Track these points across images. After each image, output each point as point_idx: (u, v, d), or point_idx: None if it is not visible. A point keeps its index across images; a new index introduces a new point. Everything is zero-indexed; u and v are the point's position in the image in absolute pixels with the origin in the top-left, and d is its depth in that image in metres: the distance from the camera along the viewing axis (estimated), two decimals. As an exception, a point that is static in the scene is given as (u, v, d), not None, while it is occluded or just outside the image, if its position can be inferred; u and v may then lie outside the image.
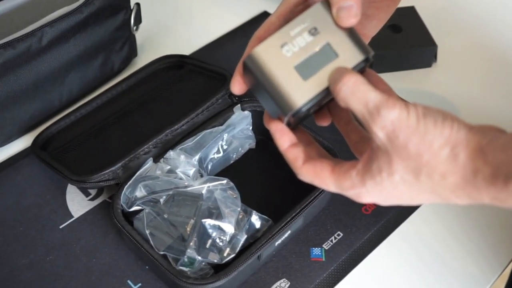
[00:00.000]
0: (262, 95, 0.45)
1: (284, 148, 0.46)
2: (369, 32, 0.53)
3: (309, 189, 0.60)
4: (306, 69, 0.44)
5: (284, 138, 0.46)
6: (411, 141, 0.40)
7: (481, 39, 0.86)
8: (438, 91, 0.80)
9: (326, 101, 0.47)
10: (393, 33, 0.83)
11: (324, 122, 0.49)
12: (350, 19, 0.43)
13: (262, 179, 0.68)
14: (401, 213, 0.66)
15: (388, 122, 0.40)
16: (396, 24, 0.83)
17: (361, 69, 0.46)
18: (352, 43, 0.44)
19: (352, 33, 0.44)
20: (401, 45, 0.81)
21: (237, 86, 0.47)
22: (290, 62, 0.44)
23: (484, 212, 0.66)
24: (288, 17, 0.47)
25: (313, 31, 0.44)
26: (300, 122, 0.49)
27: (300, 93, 0.44)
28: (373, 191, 0.43)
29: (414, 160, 0.40)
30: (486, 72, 0.82)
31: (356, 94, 0.41)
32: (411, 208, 0.66)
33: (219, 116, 0.67)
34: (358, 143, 0.47)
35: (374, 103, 0.40)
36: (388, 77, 0.79)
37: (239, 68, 0.46)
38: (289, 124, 0.46)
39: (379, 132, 0.40)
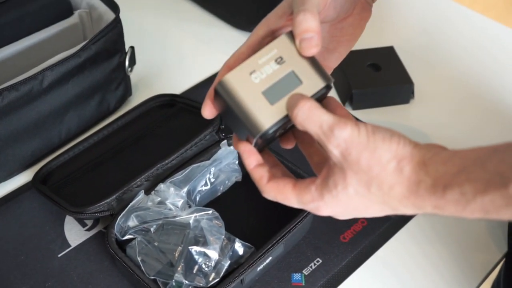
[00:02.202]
0: (232, 119, 0.49)
1: (251, 167, 0.51)
2: (331, 64, 0.57)
3: (290, 219, 0.66)
4: (273, 94, 0.48)
5: (251, 158, 0.50)
6: (363, 156, 0.45)
7: (455, 77, 0.93)
8: (416, 125, 0.86)
9: (290, 125, 0.52)
10: (373, 71, 0.89)
11: (289, 145, 0.54)
12: (312, 49, 0.47)
13: (247, 210, 0.73)
14: (378, 241, 0.72)
15: (341, 140, 0.45)
16: (376, 63, 0.90)
17: (322, 95, 0.50)
18: (314, 71, 0.49)
19: (314, 62, 0.49)
20: (381, 83, 0.87)
21: (208, 110, 0.51)
22: (258, 88, 0.48)
23: (455, 236, 0.72)
24: (257, 48, 0.51)
25: (279, 60, 0.49)
26: (267, 145, 0.53)
27: (268, 116, 0.48)
28: (330, 204, 0.48)
29: (365, 173, 0.45)
30: (460, 107, 0.88)
31: (311, 118, 0.46)
32: (388, 235, 0.72)
33: (207, 151, 0.73)
34: (319, 163, 0.52)
35: (327, 125, 0.45)
36: (370, 113, 0.87)
37: (210, 94, 0.50)
38: (256, 146, 0.51)
39: (334, 150, 0.45)
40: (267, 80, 0.48)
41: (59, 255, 0.69)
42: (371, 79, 0.88)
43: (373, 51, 0.91)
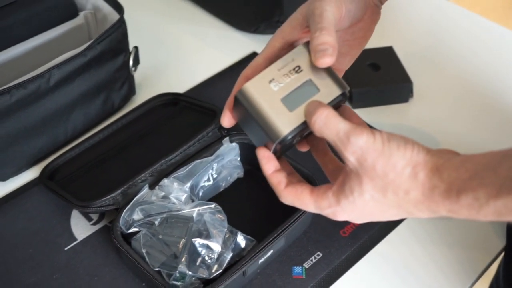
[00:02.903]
0: (251, 126, 0.52)
1: (269, 173, 0.52)
2: (343, 66, 0.60)
3: (291, 213, 0.68)
4: (291, 101, 0.50)
5: (269, 164, 0.52)
6: (378, 163, 0.46)
7: (454, 76, 0.94)
8: (415, 124, 0.87)
9: (307, 132, 0.54)
10: (373, 71, 0.90)
11: (304, 148, 0.56)
12: (326, 59, 0.49)
13: (249, 204, 0.75)
14: (377, 235, 0.73)
15: (357, 147, 0.47)
16: (376, 63, 0.91)
17: (338, 102, 0.52)
18: (331, 79, 0.51)
19: (330, 71, 0.51)
20: (380, 82, 0.89)
21: (227, 120, 0.54)
22: (277, 96, 0.50)
23: (454, 231, 0.74)
24: (273, 59, 0.53)
25: (297, 69, 0.51)
26: (284, 152, 0.55)
27: (287, 122, 0.50)
28: (347, 209, 0.49)
29: (381, 179, 0.47)
30: (458, 106, 0.90)
31: (328, 125, 0.48)
32: (387, 230, 0.74)
33: (209, 148, 0.75)
34: (334, 171, 0.54)
35: (344, 132, 0.47)
36: (369, 112, 0.88)
37: (229, 103, 0.53)
38: (275, 152, 0.53)
39: (350, 157, 0.47)
40: (285, 88, 0.50)
41: (66, 249, 0.71)
42: (371, 79, 0.89)
43: (373, 51, 0.93)
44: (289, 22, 0.54)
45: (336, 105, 0.52)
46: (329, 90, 0.51)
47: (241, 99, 0.50)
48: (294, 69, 0.51)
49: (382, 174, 0.47)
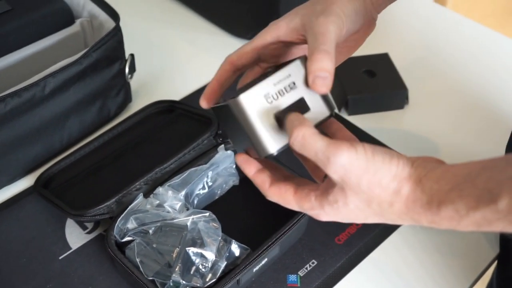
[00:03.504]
0: (238, 133, 0.51)
1: (251, 174, 0.53)
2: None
3: (285, 221, 0.68)
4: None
5: (250, 166, 0.53)
6: (363, 179, 0.46)
7: (449, 83, 0.94)
8: (410, 130, 0.88)
9: None
10: (369, 78, 0.91)
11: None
12: (323, 88, 0.49)
13: (244, 212, 0.75)
14: (371, 243, 0.73)
15: (338, 167, 0.46)
16: (371, 70, 0.91)
17: (324, 119, 0.52)
18: (322, 99, 0.52)
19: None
20: (376, 89, 0.89)
21: (205, 104, 0.55)
22: (270, 111, 0.50)
23: (447, 239, 0.74)
24: (261, 51, 0.54)
25: (292, 85, 0.51)
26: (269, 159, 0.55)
27: (276, 140, 0.50)
28: (330, 213, 0.50)
29: (366, 193, 0.47)
30: (453, 113, 0.90)
31: (306, 146, 0.47)
32: (382, 238, 0.74)
33: (204, 156, 0.75)
34: (316, 168, 0.54)
35: (322, 152, 0.47)
36: (365, 118, 0.88)
37: (211, 89, 0.54)
38: (258, 159, 0.53)
39: (333, 175, 0.47)
40: (279, 104, 0.50)
41: (60, 258, 0.70)
42: (366, 85, 0.90)
43: (368, 57, 0.93)
44: (287, 22, 0.54)
45: (321, 122, 0.52)
46: (319, 110, 0.51)
47: (234, 108, 0.50)
48: (289, 85, 0.51)
49: (367, 189, 0.47)
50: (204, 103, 0.55)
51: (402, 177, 0.46)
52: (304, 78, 0.51)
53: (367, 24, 0.57)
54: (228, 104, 0.51)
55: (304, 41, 0.54)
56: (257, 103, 0.50)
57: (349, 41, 0.58)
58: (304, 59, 0.51)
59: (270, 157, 0.51)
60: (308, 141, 0.47)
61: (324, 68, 0.49)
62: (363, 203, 0.48)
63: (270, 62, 0.57)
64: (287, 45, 0.56)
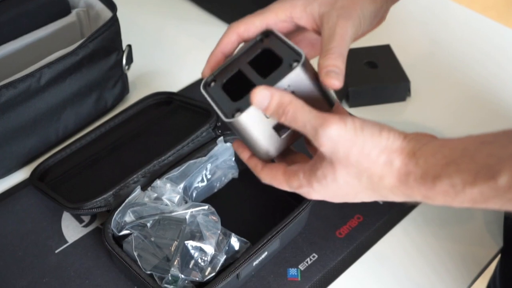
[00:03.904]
0: (240, 137, 0.53)
1: (246, 159, 0.54)
2: None
3: (286, 214, 0.67)
4: (282, 129, 0.52)
5: (244, 152, 0.55)
6: (351, 153, 0.46)
7: (452, 75, 0.94)
8: (412, 122, 0.87)
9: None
10: (370, 69, 0.90)
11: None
12: (336, 82, 0.49)
13: (243, 206, 0.75)
14: (373, 236, 0.73)
15: (326, 139, 0.46)
16: (373, 61, 0.91)
17: None
18: (324, 99, 0.52)
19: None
20: (377, 80, 0.89)
21: (208, 72, 0.55)
22: (269, 123, 0.51)
23: (450, 233, 0.73)
24: (271, 26, 0.53)
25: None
26: None
27: (276, 147, 0.52)
28: (320, 190, 0.50)
29: (355, 167, 0.47)
30: (456, 105, 0.89)
31: (296, 118, 0.47)
32: (383, 231, 0.73)
33: (203, 148, 0.74)
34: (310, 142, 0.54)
35: (310, 124, 0.47)
36: (366, 110, 0.88)
37: (213, 59, 0.54)
38: None
39: (321, 148, 0.47)
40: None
41: (57, 251, 0.70)
42: (368, 77, 0.89)
43: (370, 49, 0.93)
44: (304, 5, 0.53)
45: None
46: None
47: (234, 125, 0.51)
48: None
49: (356, 162, 0.47)
50: (206, 74, 0.55)
51: (393, 150, 0.46)
52: (305, 84, 0.50)
53: (380, 20, 0.57)
54: (231, 123, 0.51)
55: (316, 31, 0.54)
56: (256, 119, 0.51)
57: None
58: (304, 64, 0.50)
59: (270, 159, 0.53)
60: (297, 114, 0.47)
61: (338, 66, 0.49)
62: (352, 177, 0.47)
63: None
64: (297, 28, 0.55)
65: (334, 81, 0.49)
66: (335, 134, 0.46)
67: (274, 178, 0.52)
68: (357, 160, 0.46)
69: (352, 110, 0.88)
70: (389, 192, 0.47)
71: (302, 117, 0.47)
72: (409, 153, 0.46)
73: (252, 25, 0.53)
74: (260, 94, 0.48)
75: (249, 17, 0.54)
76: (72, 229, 0.72)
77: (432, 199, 0.46)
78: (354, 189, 0.48)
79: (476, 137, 0.45)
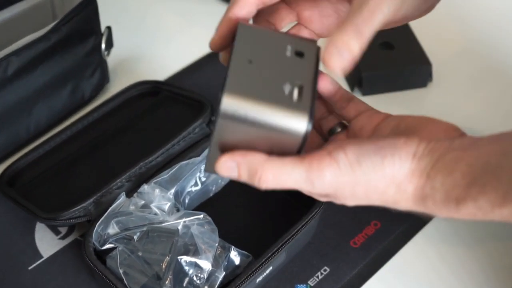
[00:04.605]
0: None
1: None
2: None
3: (293, 222, 0.67)
4: None
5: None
6: (357, 190, 0.47)
7: (481, 56, 0.93)
8: (434, 113, 0.85)
9: None
10: (385, 51, 0.89)
11: None
12: (337, 64, 0.46)
13: (243, 212, 0.74)
14: (393, 246, 0.72)
15: (326, 187, 0.47)
16: (388, 42, 0.90)
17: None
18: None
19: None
20: (394, 64, 0.88)
21: (217, 42, 0.53)
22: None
23: (480, 239, 0.73)
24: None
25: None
26: None
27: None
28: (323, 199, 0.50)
29: (364, 199, 0.48)
30: (485, 91, 0.89)
31: (282, 183, 0.47)
32: (404, 240, 0.73)
33: (197, 147, 0.74)
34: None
35: (303, 180, 0.46)
36: (381, 99, 0.87)
37: (222, 32, 0.52)
38: None
39: (323, 199, 0.49)
40: None
41: (30, 268, 0.70)
42: (383, 60, 0.88)
43: (385, 27, 0.92)
44: None
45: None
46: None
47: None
48: None
49: (364, 196, 0.48)
50: (217, 46, 0.54)
51: (402, 178, 0.46)
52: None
53: (430, 7, 0.55)
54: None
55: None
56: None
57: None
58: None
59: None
60: (280, 178, 0.47)
61: (350, 47, 0.46)
62: (363, 202, 0.49)
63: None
64: None
65: (335, 64, 0.46)
66: (332, 180, 0.46)
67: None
68: (365, 195, 0.47)
69: (365, 99, 0.86)
70: (409, 209, 0.48)
71: (289, 177, 0.47)
72: (421, 174, 0.46)
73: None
74: (224, 166, 0.47)
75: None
76: (47, 242, 0.72)
77: (459, 217, 0.46)
78: (366, 202, 0.49)
79: (495, 145, 0.45)
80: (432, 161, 0.45)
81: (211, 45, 0.54)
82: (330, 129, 0.55)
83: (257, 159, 0.47)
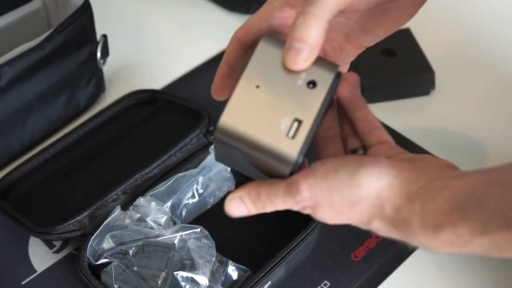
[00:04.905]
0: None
1: None
2: (364, 43, 0.57)
3: (292, 235, 0.66)
4: None
5: None
6: (334, 201, 0.47)
7: (485, 63, 0.93)
8: (438, 121, 0.86)
9: None
10: (387, 58, 0.89)
11: None
12: (296, 63, 0.47)
13: (242, 225, 0.72)
14: (395, 260, 0.72)
15: (306, 199, 0.47)
16: (390, 49, 0.89)
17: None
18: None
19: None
20: (396, 72, 0.88)
21: (218, 95, 0.53)
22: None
23: (479, 265, 0.71)
24: (269, 19, 0.51)
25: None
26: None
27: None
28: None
29: (342, 214, 0.48)
30: (488, 100, 0.89)
31: (274, 203, 0.49)
32: (404, 254, 0.72)
33: (194, 158, 0.74)
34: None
35: (287, 195, 0.48)
36: (383, 107, 0.87)
37: (221, 73, 0.52)
38: None
39: (308, 210, 0.48)
40: None
41: (23, 283, 0.69)
42: (385, 68, 0.88)
43: (387, 34, 0.91)
44: None
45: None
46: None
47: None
48: None
49: (341, 209, 0.48)
50: (217, 94, 0.53)
51: (379, 191, 0.46)
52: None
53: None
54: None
55: None
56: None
57: (389, 11, 0.54)
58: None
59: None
60: (272, 199, 0.49)
61: (302, 37, 0.46)
62: (341, 218, 0.49)
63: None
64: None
65: (291, 63, 0.47)
66: (309, 191, 0.47)
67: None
68: (341, 206, 0.47)
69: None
70: (385, 234, 0.48)
71: (276, 197, 0.48)
72: (401, 194, 0.45)
73: (250, 26, 0.52)
74: (232, 206, 0.52)
75: (249, 19, 0.53)
76: (41, 256, 0.71)
77: (435, 248, 0.45)
78: (343, 220, 0.49)
79: (482, 174, 0.44)
80: (415, 186, 0.45)
81: (213, 95, 0.54)
82: (353, 149, 0.55)
83: (252, 186, 0.49)
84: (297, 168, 0.48)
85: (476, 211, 0.43)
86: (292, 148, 0.47)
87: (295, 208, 0.49)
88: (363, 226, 0.49)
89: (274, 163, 0.47)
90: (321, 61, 0.49)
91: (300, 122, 0.47)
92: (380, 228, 0.47)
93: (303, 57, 0.46)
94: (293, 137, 0.47)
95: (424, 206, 0.44)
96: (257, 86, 0.48)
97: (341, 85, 0.52)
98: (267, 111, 0.47)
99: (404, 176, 0.45)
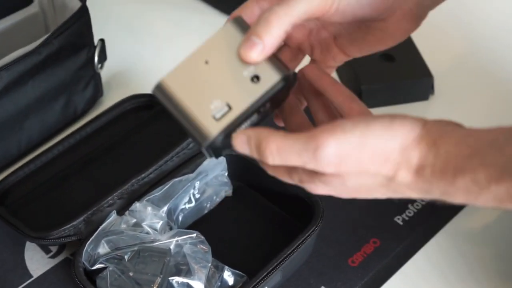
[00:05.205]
0: None
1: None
2: (348, 52, 0.58)
3: (289, 241, 0.66)
4: None
5: None
6: (362, 159, 0.46)
7: (484, 68, 0.93)
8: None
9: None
10: (386, 63, 0.89)
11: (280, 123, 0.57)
12: (248, 54, 0.48)
13: (238, 230, 0.74)
14: (391, 265, 0.72)
15: (331, 158, 0.46)
16: (389, 53, 0.90)
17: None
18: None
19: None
20: (395, 76, 0.88)
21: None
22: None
23: (485, 258, 0.72)
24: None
25: None
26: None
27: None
28: (324, 188, 0.49)
29: (367, 171, 0.47)
30: (487, 105, 0.89)
31: (286, 157, 0.47)
32: (403, 259, 0.72)
33: (190, 163, 0.74)
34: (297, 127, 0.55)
35: (306, 151, 0.46)
36: (381, 113, 0.86)
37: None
38: None
39: (328, 170, 0.46)
40: None
41: (19, 288, 0.69)
42: (384, 72, 0.88)
43: (386, 39, 0.92)
44: None
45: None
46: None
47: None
48: None
49: (368, 166, 0.47)
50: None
51: (410, 140, 0.46)
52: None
53: (401, 16, 0.55)
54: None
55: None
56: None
57: (372, 28, 0.56)
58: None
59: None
60: (285, 150, 0.47)
61: (259, 33, 0.48)
62: (365, 180, 0.48)
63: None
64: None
65: (246, 53, 0.49)
66: (336, 148, 0.45)
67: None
68: (371, 162, 0.46)
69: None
70: (406, 188, 0.47)
71: (291, 149, 0.47)
72: (429, 142, 0.46)
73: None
74: (238, 141, 0.49)
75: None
76: (37, 261, 0.71)
77: (452, 195, 0.46)
78: (367, 187, 0.49)
79: (507, 128, 0.45)
80: (441, 132, 0.46)
81: None
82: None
83: (263, 132, 0.48)
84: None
85: (495, 157, 0.43)
86: (212, 128, 0.49)
87: (308, 166, 0.47)
88: (384, 186, 0.48)
89: (192, 134, 0.49)
90: (276, 61, 0.50)
91: (230, 108, 0.49)
92: (402, 179, 0.46)
93: (256, 52, 0.49)
94: (218, 119, 0.49)
95: (448, 150, 0.45)
96: (206, 62, 0.50)
97: (308, 66, 0.54)
98: (204, 87, 0.50)
99: (431, 125, 0.46)
